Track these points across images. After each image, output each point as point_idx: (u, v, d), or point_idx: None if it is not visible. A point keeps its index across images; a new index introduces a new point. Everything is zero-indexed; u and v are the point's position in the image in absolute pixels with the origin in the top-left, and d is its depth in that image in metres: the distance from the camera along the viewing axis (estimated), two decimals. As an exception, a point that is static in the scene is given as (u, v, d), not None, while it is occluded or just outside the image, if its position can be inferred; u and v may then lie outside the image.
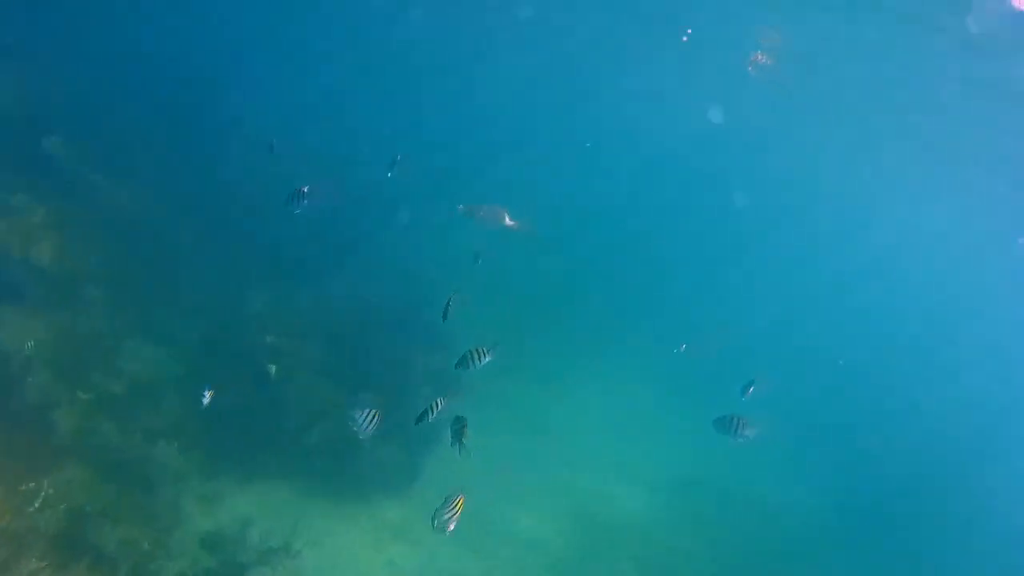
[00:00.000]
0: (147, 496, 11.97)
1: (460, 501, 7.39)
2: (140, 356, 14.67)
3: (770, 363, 27.18)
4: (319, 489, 14.11)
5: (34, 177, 14.10)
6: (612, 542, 16.87)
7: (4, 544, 9.70)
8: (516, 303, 23.30)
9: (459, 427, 7.89)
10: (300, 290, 17.02)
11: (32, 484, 10.67)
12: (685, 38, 30.12)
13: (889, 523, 21.44)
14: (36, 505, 10.58)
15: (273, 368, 14.15)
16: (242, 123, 22.06)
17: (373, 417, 8.27)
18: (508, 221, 11.18)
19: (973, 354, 45.07)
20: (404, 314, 17.43)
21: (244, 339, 14.68)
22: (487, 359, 8.24)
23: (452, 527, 7.39)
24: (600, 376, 24.27)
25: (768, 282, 44.16)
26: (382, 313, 17.07)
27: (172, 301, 16.17)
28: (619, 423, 22.15)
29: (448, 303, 8.01)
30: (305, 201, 9.82)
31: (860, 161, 38.01)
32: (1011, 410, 38.00)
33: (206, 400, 9.54)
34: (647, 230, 41.73)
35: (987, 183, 30.49)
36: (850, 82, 26.77)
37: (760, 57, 28.36)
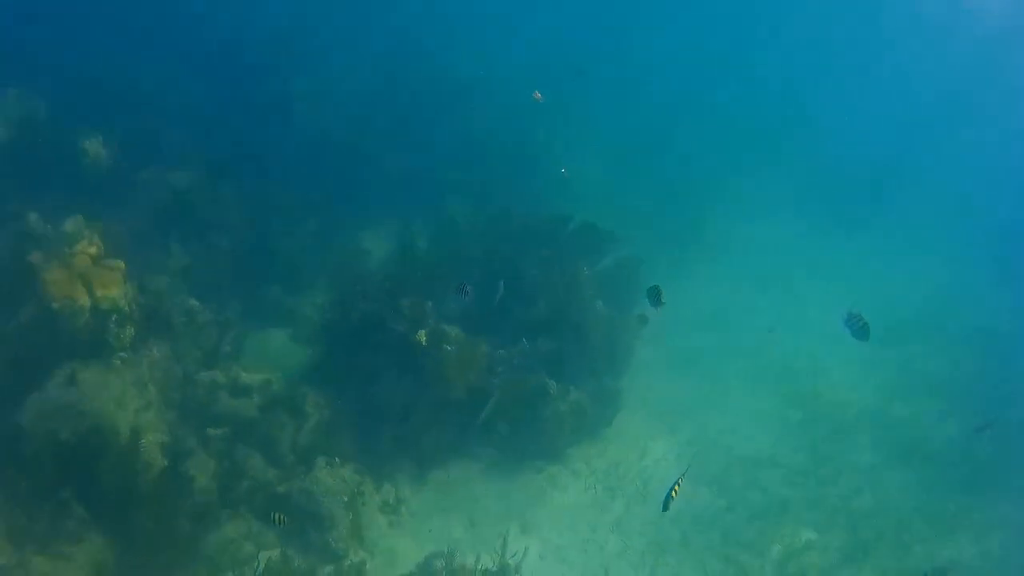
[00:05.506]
0: (323, 533, 9.99)
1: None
2: (265, 354, 12.61)
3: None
4: (508, 462, 11.84)
5: (80, 193, 11.62)
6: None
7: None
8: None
9: (655, 292, 8.88)
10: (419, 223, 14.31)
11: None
12: None
13: None
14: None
15: (423, 335, 11.50)
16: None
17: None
18: None
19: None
20: (548, 227, 14.36)
21: (375, 305, 11.93)
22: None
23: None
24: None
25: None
26: (523, 233, 14.08)
27: (279, 276, 13.86)
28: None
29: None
30: None
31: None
32: None
33: None
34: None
35: None
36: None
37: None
